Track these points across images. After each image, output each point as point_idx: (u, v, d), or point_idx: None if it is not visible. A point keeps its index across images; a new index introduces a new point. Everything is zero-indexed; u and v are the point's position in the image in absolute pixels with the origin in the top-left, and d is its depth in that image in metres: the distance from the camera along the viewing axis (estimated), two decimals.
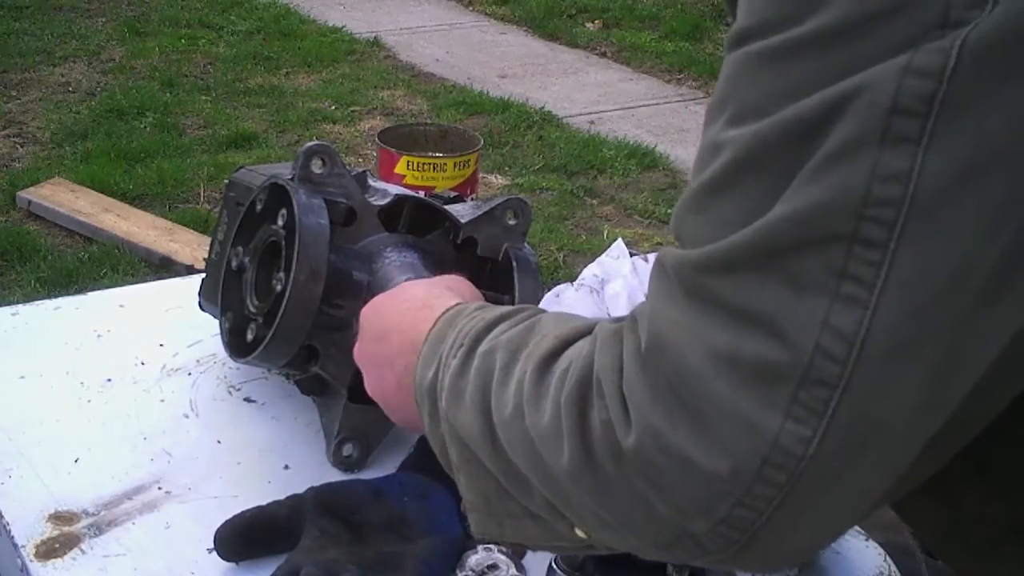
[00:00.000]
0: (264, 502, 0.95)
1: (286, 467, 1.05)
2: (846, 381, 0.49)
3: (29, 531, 0.93)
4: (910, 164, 0.47)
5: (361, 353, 0.88)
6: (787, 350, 0.49)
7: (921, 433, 0.52)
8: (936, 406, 0.51)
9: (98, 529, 0.95)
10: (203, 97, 4.65)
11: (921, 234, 0.47)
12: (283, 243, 0.99)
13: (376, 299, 0.89)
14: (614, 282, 1.29)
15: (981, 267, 0.48)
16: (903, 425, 0.51)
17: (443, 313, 0.76)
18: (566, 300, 1.25)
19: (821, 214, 0.48)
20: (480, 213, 1.08)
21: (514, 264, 1.07)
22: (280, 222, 1.00)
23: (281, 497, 0.95)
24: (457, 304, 0.77)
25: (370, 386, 0.87)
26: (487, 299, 0.86)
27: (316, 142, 1.03)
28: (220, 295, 1.08)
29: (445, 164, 2.07)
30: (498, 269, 1.09)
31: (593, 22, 6.03)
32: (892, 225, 0.47)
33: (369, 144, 4.16)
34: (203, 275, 1.22)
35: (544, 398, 0.59)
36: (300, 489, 0.96)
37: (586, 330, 0.62)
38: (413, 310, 0.81)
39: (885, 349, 0.49)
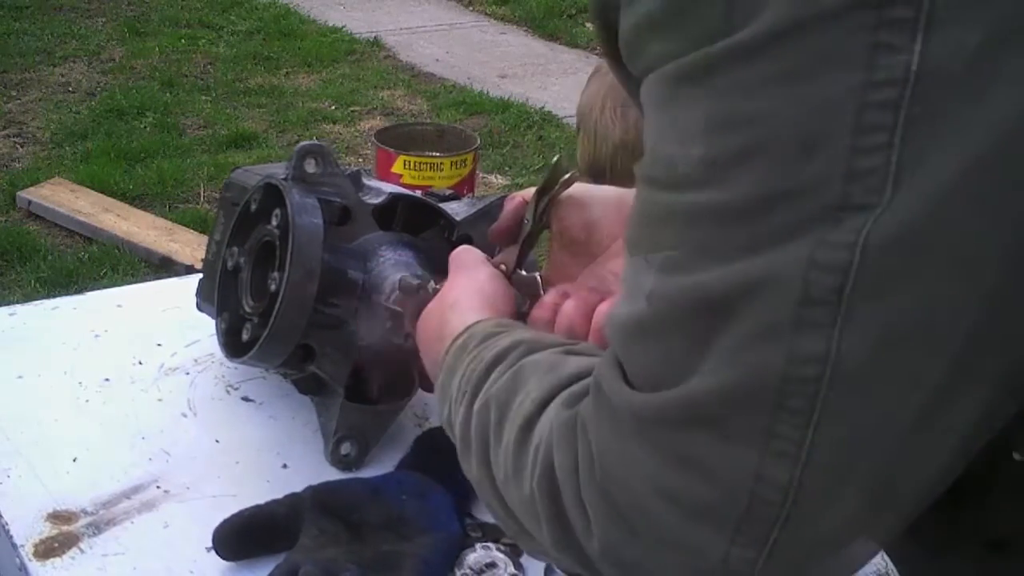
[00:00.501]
0: (262, 501, 0.95)
1: (284, 466, 1.05)
2: (784, 520, 0.51)
3: (28, 530, 0.94)
4: (826, 347, 0.48)
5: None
6: (724, 494, 0.51)
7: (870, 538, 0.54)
8: (881, 516, 0.53)
9: (97, 528, 0.95)
10: (203, 97, 4.65)
11: (843, 401, 0.49)
12: (278, 243, 0.99)
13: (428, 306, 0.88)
14: None
15: (909, 410, 0.50)
16: (848, 537, 0.53)
17: (453, 341, 0.76)
18: None
19: (743, 392, 0.50)
20: (475, 211, 1.08)
21: None
22: (274, 222, 1.01)
23: (279, 496, 0.96)
24: (468, 328, 0.76)
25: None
26: None
27: (310, 142, 1.03)
28: (216, 295, 1.08)
29: (442, 164, 2.08)
30: None
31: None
32: (814, 396, 0.49)
33: (369, 144, 4.15)
34: (201, 275, 1.22)
35: (522, 475, 0.62)
36: (298, 488, 0.97)
37: (560, 386, 0.63)
38: (433, 333, 0.81)
39: (820, 491, 0.50)
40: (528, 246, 0.89)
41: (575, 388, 0.61)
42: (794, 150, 0.47)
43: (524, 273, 0.89)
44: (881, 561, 0.99)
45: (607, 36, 0.60)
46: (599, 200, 0.88)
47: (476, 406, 0.68)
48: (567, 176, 0.87)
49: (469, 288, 0.82)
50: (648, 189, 0.54)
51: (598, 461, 0.56)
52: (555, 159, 0.88)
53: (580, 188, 0.89)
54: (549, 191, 0.87)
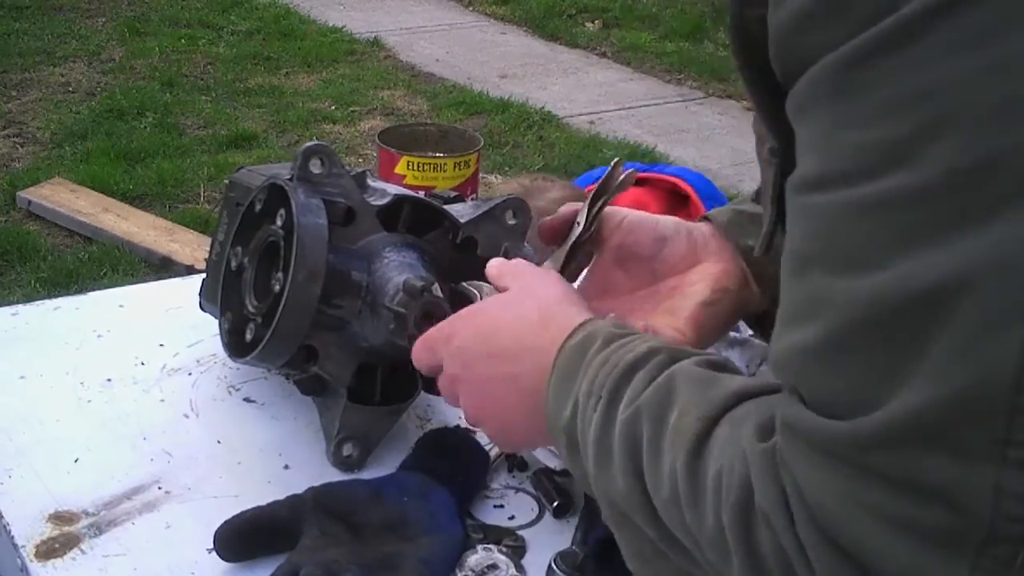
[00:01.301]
0: (264, 502, 0.95)
1: (286, 467, 1.05)
2: None
3: (29, 531, 0.93)
4: None
5: (464, 377, 0.79)
6: (965, 517, 0.48)
7: None
8: None
9: (98, 529, 0.95)
10: (203, 97, 4.65)
11: None
12: (282, 243, 0.99)
13: (468, 315, 0.80)
14: None
15: None
16: None
17: (568, 337, 0.72)
18: None
19: (971, 398, 0.46)
20: (480, 213, 1.08)
21: None
22: (279, 222, 1.01)
23: (281, 497, 0.95)
24: (582, 324, 0.72)
25: (475, 409, 0.80)
26: None
27: (314, 142, 1.03)
28: (219, 295, 1.08)
29: (445, 164, 2.07)
30: None
31: (593, 22, 6.04)
32: None
33: (369, 144, 4.16)
34: (203, 275, 1.22)
35: (702, 502, 0.58)
36: (300, 489, 0.96)
37: (725, 405, 0.60)
38: (531, 327, 0.75)
39: None
40: (575, 251, 0.87)
41: (761, 418, 0.58)
42: (991, 115, 0.45)
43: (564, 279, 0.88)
44: None
45: (742, 40, 0.59)
46: (669, 221, 0.87)
47: (622, 415, 0.64)
48: (623, 176, 0.85)
49: (556, 287, 0.78)
50: (818, 194, 0.51)
51: (810, 500, 0.52)
52: (613, 162, 0.87)
53: (643, 213, 0.88)
54: (604, 194, 0.85)
